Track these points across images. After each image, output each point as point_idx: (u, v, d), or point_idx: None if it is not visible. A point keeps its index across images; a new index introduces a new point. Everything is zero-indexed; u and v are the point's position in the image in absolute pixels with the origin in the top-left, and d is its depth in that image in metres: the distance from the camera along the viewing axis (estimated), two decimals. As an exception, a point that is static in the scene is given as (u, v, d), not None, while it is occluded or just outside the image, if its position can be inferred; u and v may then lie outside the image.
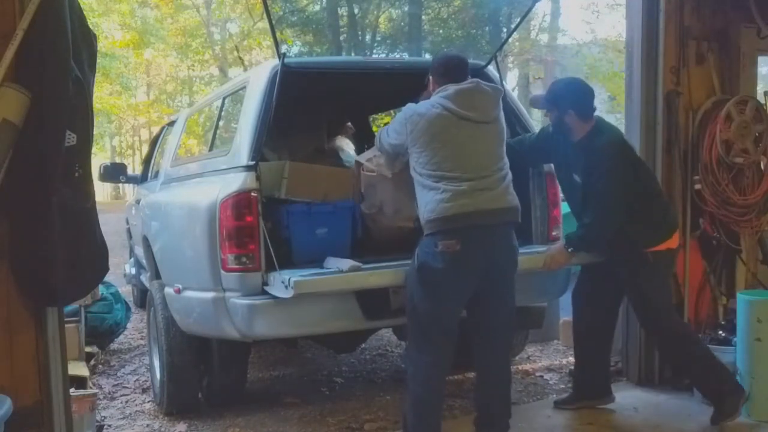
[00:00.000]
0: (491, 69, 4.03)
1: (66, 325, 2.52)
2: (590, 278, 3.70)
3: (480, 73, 4.03)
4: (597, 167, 3.34)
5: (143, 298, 6.06)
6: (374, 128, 6.14)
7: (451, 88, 3.07)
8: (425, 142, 3.01)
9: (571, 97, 3.43)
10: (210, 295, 3.32)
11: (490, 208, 2.98)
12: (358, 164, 3.66)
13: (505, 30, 12.61)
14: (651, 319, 3.60)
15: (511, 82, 18.59)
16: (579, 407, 3.78)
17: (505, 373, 3.24)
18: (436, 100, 3.08)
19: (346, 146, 4.61)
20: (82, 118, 2.32)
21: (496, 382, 3.20)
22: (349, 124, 5.06)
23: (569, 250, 3.39)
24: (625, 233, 3.38)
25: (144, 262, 5.28)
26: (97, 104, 13.63)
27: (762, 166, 4.24)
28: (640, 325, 3.85)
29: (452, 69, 3.17)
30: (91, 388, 3.62)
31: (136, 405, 4.25)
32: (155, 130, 16.68)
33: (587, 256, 3.49)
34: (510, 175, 3.13)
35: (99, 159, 22.07)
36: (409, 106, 3.15)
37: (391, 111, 6.65)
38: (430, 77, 3.26)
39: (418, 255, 3.03)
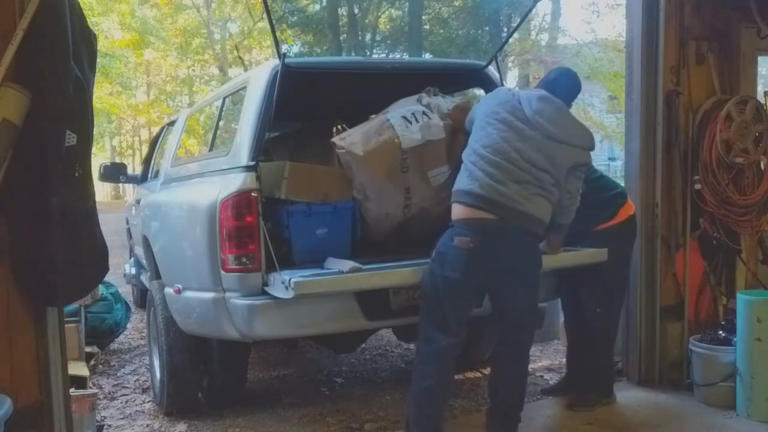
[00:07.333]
0: (492, 69, 4.03)
1: (66, 325, 2.52)
2: (568, 275, 3.70)
3: (480, 73, 4.04)
4: None
5: (143, 298, 6.06)
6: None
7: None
8: None
9: None
10: (210, 295, 3.32)
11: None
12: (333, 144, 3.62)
13: (505, 30, 12.61)
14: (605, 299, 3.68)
15: (511, 82, 18.60)
16: (565, 395, 3.88)
17: (519, 369, 3.25)
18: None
19: None
20: (82, 118, 2.31)
21: (507, 375, 3.23)
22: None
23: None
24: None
25: (144, 262, 5.28)
26: (97, 104, 13.65)
27: (762, 166, 4.25)
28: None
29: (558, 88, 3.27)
30: (91, 388, 3.62)
31: (136, 405, 4.25)
32: (155, 130, 16.69)
33: (588, 254, 3.50)
34: None
35: (99, 159, 22.05)
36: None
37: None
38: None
39: (436, 245, 3.07)
